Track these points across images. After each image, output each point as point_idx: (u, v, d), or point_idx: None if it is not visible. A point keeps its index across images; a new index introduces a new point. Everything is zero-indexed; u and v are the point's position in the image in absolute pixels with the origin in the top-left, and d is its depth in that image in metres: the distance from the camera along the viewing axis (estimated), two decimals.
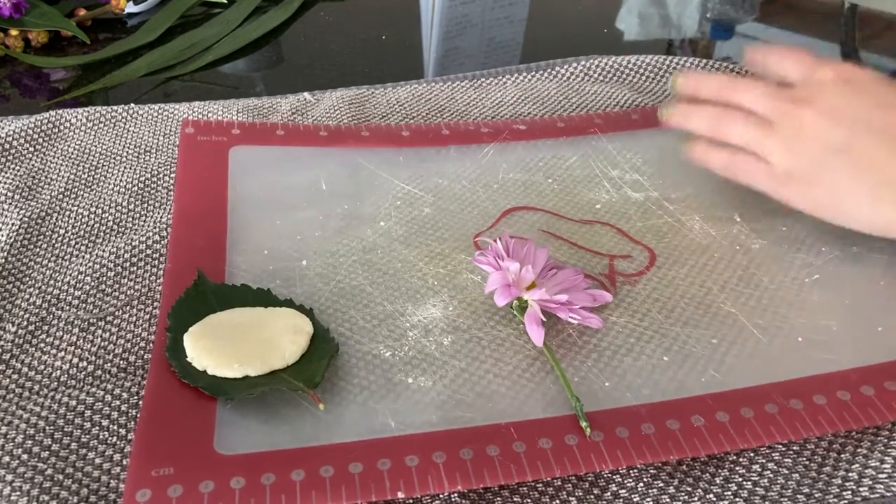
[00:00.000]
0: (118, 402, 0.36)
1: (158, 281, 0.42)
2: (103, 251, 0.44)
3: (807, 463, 0.34)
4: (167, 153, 0.53)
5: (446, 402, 0.35)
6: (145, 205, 0.48)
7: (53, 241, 0.45)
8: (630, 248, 0.45)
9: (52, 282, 0.42)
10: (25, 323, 0.40)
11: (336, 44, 0.71)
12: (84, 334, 0.39)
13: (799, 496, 0.33)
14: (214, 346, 0.36)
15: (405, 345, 0.38)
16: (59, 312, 0.40)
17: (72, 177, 0.50)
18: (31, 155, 0.52)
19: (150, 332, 0.39)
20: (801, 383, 0.36)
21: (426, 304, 0.41)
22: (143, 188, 0.50)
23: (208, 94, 0.61)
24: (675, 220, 0.47)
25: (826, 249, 0.45)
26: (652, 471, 0.34)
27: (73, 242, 0.45)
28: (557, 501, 0.33)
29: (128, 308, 0.41)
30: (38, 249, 0.45)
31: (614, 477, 0.34)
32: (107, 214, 0.47)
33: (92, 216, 0.47)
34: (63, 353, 0.38)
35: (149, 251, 0.44)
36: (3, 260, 0.43)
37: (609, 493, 0.33)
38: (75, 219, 0.47)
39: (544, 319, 0.38)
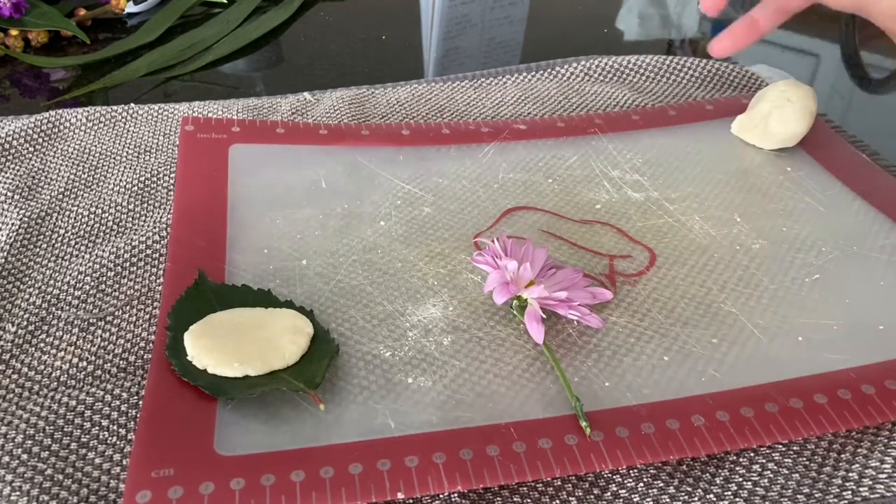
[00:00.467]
0: (118, 402, 0.36)
1: (158, 281, 0.42)
2: (103, 251, 0.44)
3: (807, 463, 0.34)
4: (167, 153, 0.53)
5: (446, 402, 0.35)
6: (145, 205, 0.48)
7: (53, 241, 0.45)
8: (630, 248, 0.45)
9: (52, 282, 0.42)
10: (25, 323, 0.40)
11: (336, 44, 0.71)
12: (84, 334, 0.39)
13: (799, 496, 0.33)
14: (215, 345, 0.36)
15: (405, 345, 0.38)
16: (59, 312, 0.40)
17: (72, 177, 0.50)
18: (31, 155, 0.52)
19: (150, 332, 0.39)
20: (802, 382, 0.37)
21: (426, 304, 0.41)
22: (143, 188, 0.50)
23: (208, 94, 0.62)
24: (675, 220, 0.47)
25: (826, 249, 0.45)
26: (652, 471, 0.34)
27: (73, 242, 0.45)
28: (557, 501, 0.33)
29: (128, 308, 0.41)
30: (38, 249, 0.45)
31: (614, 477, 0.34)
32: (107, 214, 0.47)
33: (92, 216, 0.47)
34: (63, 353, 0.38)
35: (149, 251, 0.44)
36: (3, 260, 0.43)
37: (609, 493, 0.33)
38: (75, 219, 0.47)
39: (544, 317, 0.38)
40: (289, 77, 0.66)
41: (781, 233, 0.46)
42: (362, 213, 0.47)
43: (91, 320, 0.40)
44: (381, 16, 0.77)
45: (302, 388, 0.35)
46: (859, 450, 0.35)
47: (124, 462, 0.34)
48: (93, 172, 0.51)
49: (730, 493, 0.33)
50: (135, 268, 0.43)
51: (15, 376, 0.37)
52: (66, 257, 0.44)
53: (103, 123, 0.55)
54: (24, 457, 0.33)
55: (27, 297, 0.41)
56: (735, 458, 0.35)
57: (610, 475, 0.34)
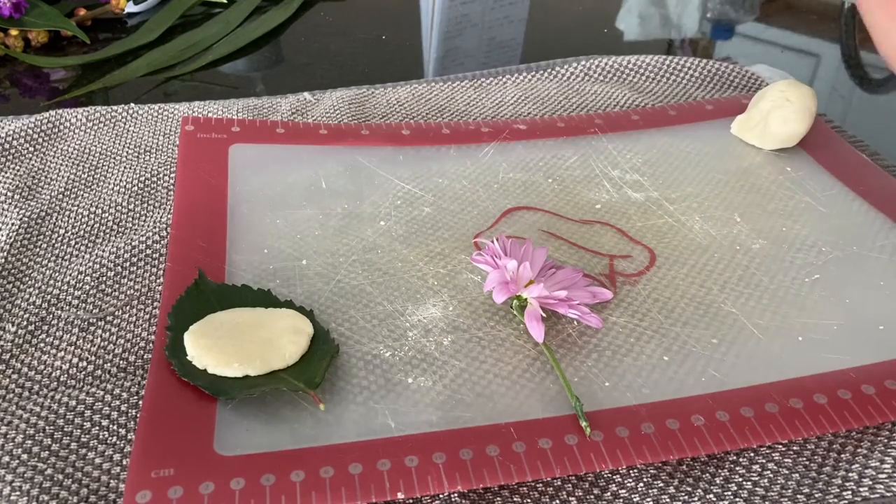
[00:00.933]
0: (118, 402, 0.36)
1: (158, 281, 0.42)
2: (103, 251, 0.44)
3: (807, 463, 0.34)
4: (167, 153, 0.53)
5: (446, 402, 0.35)
6: (145, 205, 0.48)
7: (53, 241, 0.45)
8: (630, 248, 0.45)
9: (51, 282, 0.42)
10: (25, 323, 0.40)
11: (336, 44, 0.71)
12: (84, 334, 0.39)
13: (799, 496, 0.33)
14: (215, 345, 0.36)
15: (405, 345, 0.38)
16: (59, 312, 0.40)
17: (72, 177, 0.50)
18: (30, 155, 0.52)
19: (150, 332, 0.39)
20: (802, 382, 0.37)
21: (426, 304, 0.41)
22: (143, 188, 0.50)
23: (208, 94, 0.62)
24: (675, 220, 0.47)
25: (826, 249, 0.45)
26: (652, 471, 0.34)
27: (73, 242, 0.45)
28: (557, 501, 0.33)
29: (128, 308, 0.41)
30: (38, 249, 0.45)
31: (614, 477, 0.34)
32: (107, 214, 0.47)
33: (92, 216, 0.47)
34: (63, 353, 0.38)
35: (149, 251, 0.44)
36: (3, 260, 0.43)
37: (609, 493, 0.33)
38: (75, 219, 0.47)
39: (544, 316, 0.38)
40: (289, 77, 0.66)
41: (781, 233, 0.46)
42: (362, 212, 0.47)
43: (91, 320, 0.40)
44: (381, 16, 0.77)
45: (302, 388, 0.35)
46: (859, 450, 0.35)
47: (124, 462, 0.34)
48: (93, 172, 0.51)
49: (730, 493, 0.33)
50: (135, 268, 0.43)
51: (15, 376, 0.37)
52: (66, 257, 0.44)
53: (103, 123, 0.55)
54: (24, 457, 0.33)
55: (27, 297, 0.41)
56: (735, 458, 0.35)
57: (610, 475, 0.34)
